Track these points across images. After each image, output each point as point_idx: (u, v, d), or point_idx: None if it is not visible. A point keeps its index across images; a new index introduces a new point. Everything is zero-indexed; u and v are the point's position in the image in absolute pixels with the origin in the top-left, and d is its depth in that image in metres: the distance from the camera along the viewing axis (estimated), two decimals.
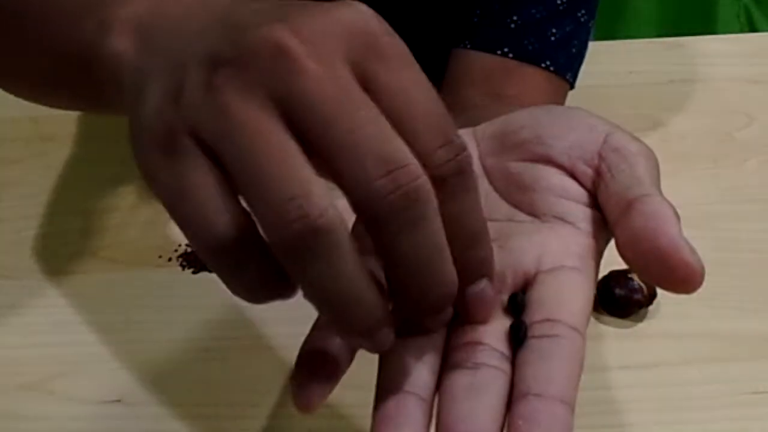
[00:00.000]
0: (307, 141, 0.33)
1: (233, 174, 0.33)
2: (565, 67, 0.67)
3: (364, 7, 0.35)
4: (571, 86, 0.68)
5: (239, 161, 0.32)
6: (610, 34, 1.53)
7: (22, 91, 0.52)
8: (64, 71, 0.44)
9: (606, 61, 0.81)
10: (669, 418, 0.56)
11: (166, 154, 0.34)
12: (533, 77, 0.66)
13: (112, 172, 0.72)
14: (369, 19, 0.35)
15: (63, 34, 0.43)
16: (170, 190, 0.33)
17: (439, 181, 0.34)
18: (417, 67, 0.35)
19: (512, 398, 0.36)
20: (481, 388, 0.37)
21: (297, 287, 0.35)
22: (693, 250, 0.37)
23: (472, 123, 0.46)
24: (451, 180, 0.34)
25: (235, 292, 0.35)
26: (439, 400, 0.38)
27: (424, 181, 0.33)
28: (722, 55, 0.84)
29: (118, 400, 0.57)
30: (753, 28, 1.64)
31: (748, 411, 0.56)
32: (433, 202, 0.33)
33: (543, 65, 0.65)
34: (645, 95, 0.79)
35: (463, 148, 0.35)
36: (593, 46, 0.72)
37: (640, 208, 0.39)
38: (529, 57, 0.65)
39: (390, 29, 0.35)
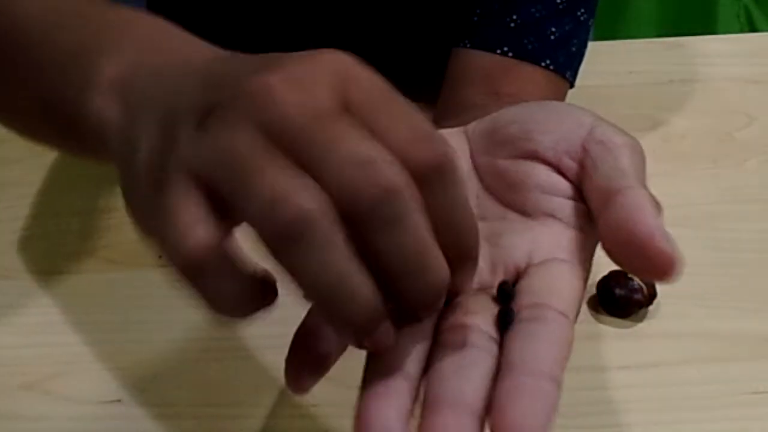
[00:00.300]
0: (295, 162, 0.33)
1: (228, 197, 0.34)
2: (565, 65, 0.67)
3: (341, 52, 0.37)
4: (571, 85, 0.68)
5: (233, 181, 0.33)
6: (610, 34, 1.53)
7: (15, 128, 0.53)
8: (53, 118, 0.45)
9: (606, 61, 0.81)
10: (669, 418, 0.56)
11: (158, 190, 0.35)
12: (533, 76, 0.66)
13: (111, 172, 0.72)
14: (346, 59, 0.36)
15: (51, 83, 0.45)
16: (157, 216, 0.35)
17: (419, 178, 0.34)
18: (392, 89, 0.37)
19: (499, 375, 0.36)
20: (468, 367, 0.37)
21: (272, 300, 0.36)
22: (670, 239, 0.37)
23: (471, 122, 0.46)
24: (430, 176, 0.34)
25: (214, 308, 0.35)
26: (427, 379, 0.38)
27: (404, 177, 0.33)
28: (722, 55, 0.84)
29: (118, 400, 0.57)
30: (753, 28, 1.64)
31: (747, 411, 0.56)
32: (414, 198, 0.34)
33: (543, 64, 0.65)
34: (645, 95, 0.79)
35: (442, 145, 0.35)
36: (593, 46, 0.72)
37: (620, 200, 0.39)
38: (529, 56, 0.65)
39: (367, 67, 0.37)
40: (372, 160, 0.33)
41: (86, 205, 0.70)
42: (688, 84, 0.80)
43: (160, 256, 0.65)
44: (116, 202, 0.70)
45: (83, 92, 0.41)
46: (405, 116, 0.36)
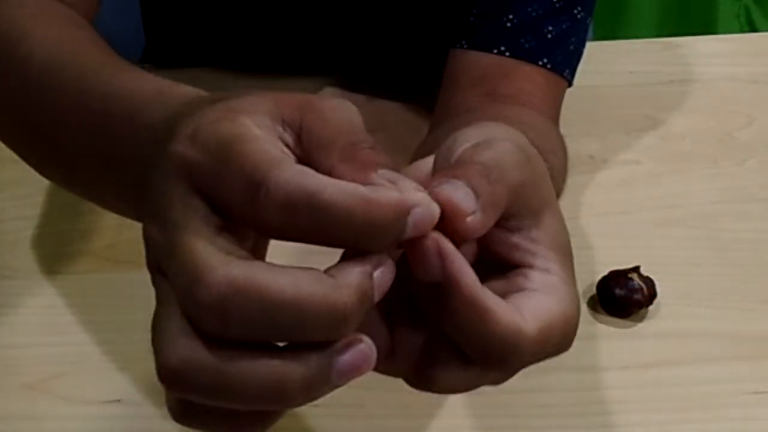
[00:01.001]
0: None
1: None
2: (563, 64, 0.66)
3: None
4: (569, 83, 0.68)
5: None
6: (610, 34, 1.53)
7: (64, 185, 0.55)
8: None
9: (606, 61, 0.81)
10: (669, 418, 0.56)
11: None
12: (530, 76, 0.66)
13: None
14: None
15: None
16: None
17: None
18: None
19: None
20: None
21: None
22: None
23: (468, 125, 0.46)
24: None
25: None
26: None
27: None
28: (722, 55, 0.84)
29: (118, 400, 0.57)
30: (753, 28, 1.64)
31: (748, 411, 0.56)
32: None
33: (540, 63, 0.65)
34: (645, 95, 0.79)
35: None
36: (593, 46, 0.72)
37: None
38: (526, 55, 0.65)
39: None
40: (260, 185, 0.32)
41: (87, 205, 0.70)
42: (688, 84, 0.80)
43: None
44: None
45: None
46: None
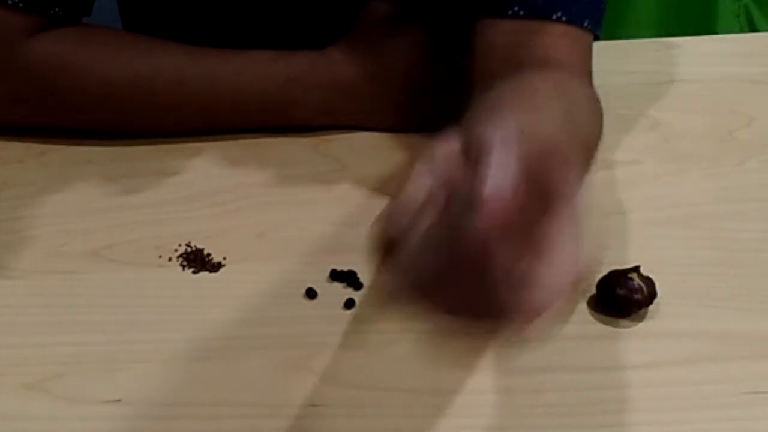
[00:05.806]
0: None
1: None
2: (579, 15, 0.65)
3: None
4: (596, 37, 0.67)
5: None
6: (610, 34, 1.53)
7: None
8: None
9: (606, 61, 0.81)
10: (669, 418, 0.56)
11: None
12: (549, 34, 0.65)
13: (112, 172, 0.72)
14: None
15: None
16: None
17: None
18: None
19: None
20: None
21: None
22: None
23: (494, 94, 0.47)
24: None
25: None
26: None
27: None
28: (722, 55, 0.84)
29: (118, 400, 0.57)
30: (753, 28, 1.64)
31: (748, 411, 0.56)
32: None
33: (554, 17, 0.64)
34: (645, 95, 0.79)
35: None
36: (593, 46, 0.72)
37: None
38: (539, 11, 0.64)
39: None
40: None
41: (86, 205, 0.70)
42: (688, 84, 0.80)
43: (159, 256, 0.65)
44: (118, 201, 0.70)
45: None
46: None
